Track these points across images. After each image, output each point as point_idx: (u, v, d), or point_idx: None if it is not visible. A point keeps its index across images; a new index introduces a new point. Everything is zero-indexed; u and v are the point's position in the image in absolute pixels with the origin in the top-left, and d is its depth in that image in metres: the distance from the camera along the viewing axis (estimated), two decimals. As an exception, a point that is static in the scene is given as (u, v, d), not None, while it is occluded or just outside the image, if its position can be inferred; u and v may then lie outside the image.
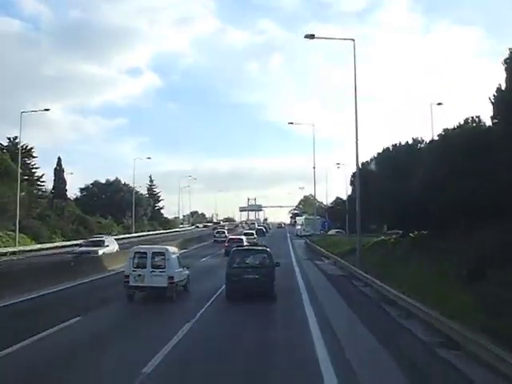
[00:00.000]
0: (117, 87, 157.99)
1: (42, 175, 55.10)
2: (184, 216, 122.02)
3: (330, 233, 61.98)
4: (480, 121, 18.06)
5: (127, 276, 15.46)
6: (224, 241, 40.87)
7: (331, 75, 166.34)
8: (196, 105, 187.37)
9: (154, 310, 14.38)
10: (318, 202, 76.38)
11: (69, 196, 70.72)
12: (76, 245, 37.47)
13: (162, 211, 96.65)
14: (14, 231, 39.86)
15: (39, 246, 42.51)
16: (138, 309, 15.05)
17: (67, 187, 67.22)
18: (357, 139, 22.24)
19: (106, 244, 30.33)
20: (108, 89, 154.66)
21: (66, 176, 67.08)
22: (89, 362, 8.79)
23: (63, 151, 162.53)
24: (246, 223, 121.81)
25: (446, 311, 11.06)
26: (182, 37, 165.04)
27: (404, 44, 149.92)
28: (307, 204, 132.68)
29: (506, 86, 15.08)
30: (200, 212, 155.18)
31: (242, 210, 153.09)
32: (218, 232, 57.69)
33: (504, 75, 15.11)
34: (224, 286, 16.50)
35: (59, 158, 65.72)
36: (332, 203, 78.36)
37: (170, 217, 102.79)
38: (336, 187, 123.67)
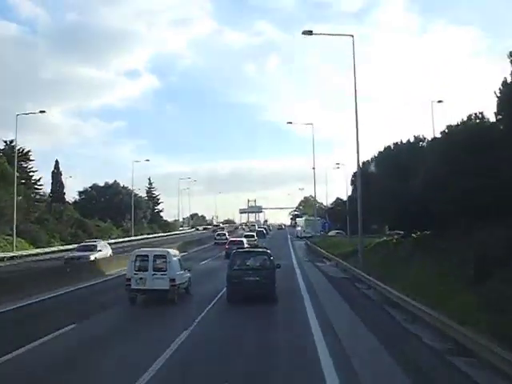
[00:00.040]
0: (115, 90, 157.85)
1: (40, 179, 54.74)
2: (184, 218, 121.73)
3: (330, 234, 61.70)
4: (483, 117, 17.62)
5: (129, 279, 15.49)
6: (225, 243, 40.79)
7: (330, 75, 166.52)
8: (194, 106, 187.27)
9: (155, 313, 14.31)
10: (318, 202, 76.00)
11: (68, 199, 70.56)
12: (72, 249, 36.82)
13: (161, 214, 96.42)
14: (12, 236, 39.43)
15: (37, 250, 42.04)
16: (139, 312, 14.98)
17: (66, 191, 67.08)
18: (357, 137, 21.90)
19: (98, 249, 29.47)
20: (106, 91, 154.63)
21: (65, 179, 66.89)
22: (87, 368, 8.58)
23: (62, 155, 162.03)
24: (246, 225, 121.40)
25: (452, 314, 10.64)
26: (179, 38, 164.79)
27: (401, 44, 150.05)
28: (307, 205, 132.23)
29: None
30: (200, 214, 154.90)
31: (242, 211, 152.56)
32: (218, 234, 57.88)
33: (510, 68, 14.68)
34: (225, 289, 16.44)
35: (57, 161, 65.50)
36: (332, 204, 78.07)
37: (169, 219, 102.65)
38: (336, 188, 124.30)
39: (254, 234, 54.99)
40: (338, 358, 8.89)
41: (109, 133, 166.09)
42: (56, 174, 63.30)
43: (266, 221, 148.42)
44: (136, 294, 15.62)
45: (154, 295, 15.61)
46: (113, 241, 58.27)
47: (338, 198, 77.25)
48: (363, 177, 22.90)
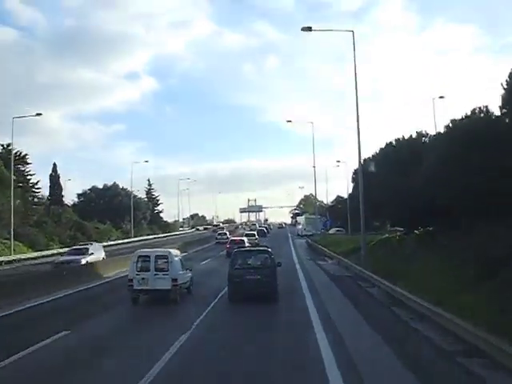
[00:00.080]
0: (114, 93, 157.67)
1: (37, 182, 54.27)
2: (184, 219, 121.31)
3: (330, 232, 61.54)
4: (488, 111, 17.19)
5: (131, 280, 15.57)
6: (226, 242, 40.84)
7: (329, 75, 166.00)
8: (194, 108, 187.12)
9: (157, 313, 14.31)
10: (319, 201, 75.61)
11: (67, 202, 70.13)
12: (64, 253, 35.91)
13: (161, 215, 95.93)
14: (10, 239, 39.00)
15: (36, 253, 41.57)
16: (137, 314, 14.81)
17: (66, 193, 66.70)
18: (358, 131, 21.46)
19: (90, 252, 28.28)
20: (105, 94, 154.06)
21: (64, 182, 66.43)
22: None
23: (62, 158, 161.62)
24: (247, 224, 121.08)
25: (460, 312, 10.23)
26: (178, 40, 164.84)
27: (401, 42, 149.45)
28: (308, 203, 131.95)
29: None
30: (200, 214, 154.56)
31: (242, 211, 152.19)
32: (219, 234, 58.36)
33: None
34: (226, 288, 16.47)
35: (55, 164, 65.09)
36: (333, 202, 77.72)
37: (170, 220, 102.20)
38: (336, 186, 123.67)
39: (255, 232, 55.03)
40: (345, 366, 8.33)
41: (108, 136, 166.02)
42: (54, 177, 62.86)
43: (266, 220, 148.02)
44: (138, 295, 15.69)
45: (156, 295, 15.69)
46: (112, 242, 58.14)
47: (338, 196, 77.07)
48: (365, 174, 22.42)
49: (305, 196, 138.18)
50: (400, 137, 24.06)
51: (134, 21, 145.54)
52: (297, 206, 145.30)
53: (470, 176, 15.37)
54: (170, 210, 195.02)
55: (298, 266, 27.77)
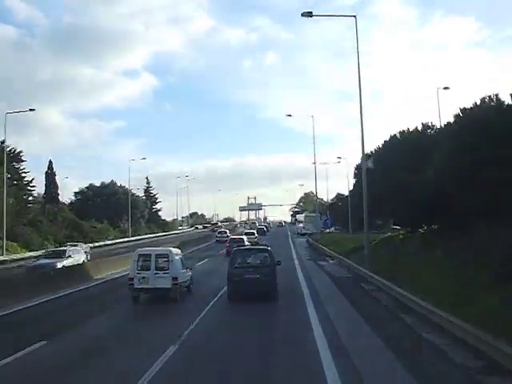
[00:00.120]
0: (114, 90, 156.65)
1: (32, 179, 53.01)
2: (183, 217, 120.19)
3: (327, 230, 60.94)
4: (499, 99, 16.23)
5: (131, 278, 15.66)
6: (226, 240, 40.46)
7: (329, 72, 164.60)
8: (194, 104, 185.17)
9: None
10: (319, 198, 74.51)
11: (64, 200, 69.19)
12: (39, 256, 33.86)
13: (160, 213, 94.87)
14: (2, 239, 38.03)
15: (30, 253, 40.55)
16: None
17: (64, 191, 65.88)
18: (361, 122, 20.48)
19: (67, 255, 26.27)
20: (105, 91, 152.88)
21: (60, 180, 65.51)
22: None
23: (61, 156, 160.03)
24: (246, 223, 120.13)
25: (478, 322, 9.20)
26: (177, 37, 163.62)
27: (399, 38, 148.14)
28: (307, 201, 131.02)
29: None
30: (200, 213, 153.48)
31: (241, 209, 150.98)
32: (219, 232, 58.09)
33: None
34: (225, 287, 16.41)
35: (50, 162, 64.06)
36: (333, 199, 76.76)
37: (169, 219, 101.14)
38: (336, 185, 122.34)
39: (255, 231, 54.75)
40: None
41: (108, 133, 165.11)
42: (50, 175, 61.81)
43: (265, 218, 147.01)
44: (139, 293, 15.78)
45: (156, 294, 15.74)
46: (109, 242, 57.22)
47: (338, 194, 76.08)
48: (367, 168, 21.35)
49: (305, 194, 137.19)
50: (405, 129, 22.97)
51: (133, 17, 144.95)
52: (297, 204, 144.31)
53: (479, 165, 14.76)
54: (171, 209, 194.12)
55: (298, 268, 26.61)
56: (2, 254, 36.70)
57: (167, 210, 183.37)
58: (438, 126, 22.18)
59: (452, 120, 18.41)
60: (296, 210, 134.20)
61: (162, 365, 8.60)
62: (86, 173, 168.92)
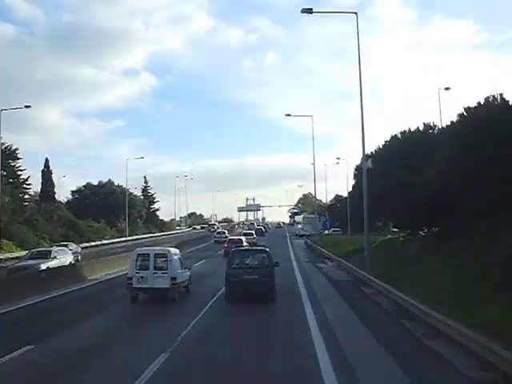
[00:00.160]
0: (113, 89, 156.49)
1: (28, 177, 52.35)
2: (181, 217, 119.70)
3: (326, 232, 60.66)
4: (503, 98, 15.84)
5: (130, 278, 15.76)
6: (225, 241, 40.46)
7: (329, 73, 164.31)
8: (193, 104, 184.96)
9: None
10: (318, 200, 74.05)
11: (61, 199, 68.61)
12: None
13: (157, 213, 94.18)
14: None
15: (25, 252, 39.98)
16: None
17: (62, 190, 65.15)
18: (362, 120, 19.95)
19: (52, 256, 25.01)
20: (105, 91, 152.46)
21: (57, 179, 64.91)
22: None
23: (61, 155, 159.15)
24: (244, 223, 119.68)
25: (482, 328, 8.76)
26: (177, 37, 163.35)
27: (399, 39, 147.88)
28: (306, 202, 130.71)
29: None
30: (198, 213, 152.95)
31: (240, 210, 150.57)
32: (218, 233, 57.95)
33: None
34: (223, 289, 16.37)
35: (47, 160, 63.35)
36: (331, 201, 76.37)
37: (167, 219, 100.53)
38: (335, 186, 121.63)
39: (253, 232, 54.70)
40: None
41: (108, 132, 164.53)
42: (46, 173, 61.17)
43: (263, 219, 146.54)
44: (137, 293, 15.88)
45: (155, 293, 15.83)
46: (105, 241, 56.69)
47: (337, 195, 75.72)
48: (368, 169, 20.87)
49: (303, 195, 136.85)
50: (406, 129, 22.54)
51: (133, 17, 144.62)
52: (295, 205, 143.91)
53: (483, 164, 14.46)
54: (169, 209, 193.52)
55: (296, 270, 26.15)
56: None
57: (166, 209, 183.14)
58: (440, 127, 21.76)
59: (454, 120, 18.09)
60: (294, 211, 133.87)
61: (157, 368, 8.43)
62: (85, 172, 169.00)
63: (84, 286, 20.41)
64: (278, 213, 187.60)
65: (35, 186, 60.08)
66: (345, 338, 10.70)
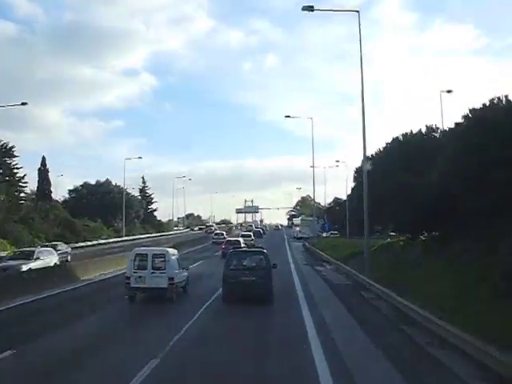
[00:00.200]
0: (113, 89, 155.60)
1: (24, 175, 51.74)
2: (179, 218, 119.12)
3: (324, 234, 60.33)
4: (509, 100, 15.51)
5: (128, 277, 15.91)
6: (223, 242, 40.29)
7: (330, 75, 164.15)
8: (193, 105, 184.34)
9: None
10: (316, 203, 73.68)
11: (58, 198, 68.09)
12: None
13: (155, 213, 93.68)
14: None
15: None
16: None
17: (58, 189, 64.51)
18: (363, 121, 19.60)
19: (35, 257, 23.91)
20: (104, 91, 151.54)
21: (54, 177, 64.39)
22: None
23: (60, 154, 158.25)
24: (242, 225, 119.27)
25: (489, 335, 8.37)
26: (177, 37, 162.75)
27: (399, 43, 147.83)
28: (304, 205, 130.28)
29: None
30: (196, 214, 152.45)
31: (238, 211, 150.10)
32: (216, 234, 57.62)
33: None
34: (220, 290, 16.37)
35: (43, 158, 62.73)
36: (330, 204, 76.03)
37: (164, 220, 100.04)
38: (334, 189, 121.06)
39: (251, 233, 54.58)
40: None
41: (107, 132, 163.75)
42: (43, 171, 60.62)
43: (261, 221, 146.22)
44: (135, 292, 16.01)
45: (152, 293, 15.92)
46: (102, 241, 56.20)
47: (336, 198, 75.40)
48: (369, 171, 20.49)
49: (302, 197, 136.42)
50: (408, 131, 22.16)
51: (133, 17, 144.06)
52: (294, 208, 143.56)
53: (487, 166, 14.16)
54: (167, 210, 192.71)
55: (294, 273, 25.70)
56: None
57: (164, 210, 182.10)
58: (442, 129, 21.39)
59: (456, 123, 17.73)
60: (293, 213, 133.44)
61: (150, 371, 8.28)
62: (84, 172, 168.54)
63: (77, 286, 19.97)
64: (276, 215, 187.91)
65: (32, 184, 59.83)
66: (343, 343, 10.34)
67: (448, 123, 22.31)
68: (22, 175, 50.71)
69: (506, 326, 9.30)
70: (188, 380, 8.09)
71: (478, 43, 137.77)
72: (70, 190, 74.13)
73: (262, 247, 19.96)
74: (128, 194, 74.65)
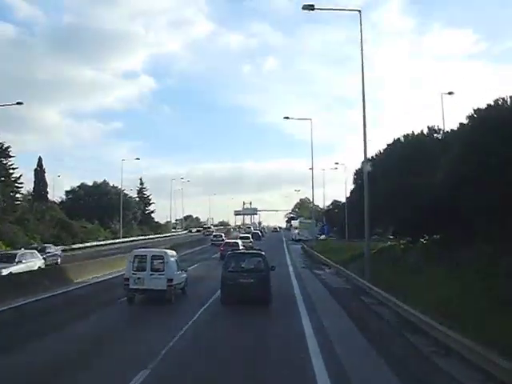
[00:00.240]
0: (112, 91, 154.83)
1: (20, 176, 51.11)
2: (177, 220, 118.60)
3: (323, 237, 60.00)
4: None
5: (127, 279, 15.91)
6: (221, 244, 40.36)
7: (329, 78, 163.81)
8: (192, 108, 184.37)
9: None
10: (315, 205, 73.26)
11: (55, 199, 67.56)
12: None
13: (153, 215, 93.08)
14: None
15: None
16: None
17: (55, 190, 63.93)
18: (364, 120, 19.21)
19: (17, 260, 22.68)
20: (103, 92, 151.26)
21: (51, 178, 63.92)
22: None
23: (59, 155, 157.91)
24: (240, 227, 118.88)
25: (494, 343, 7.96)
26: (177, 40, 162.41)
27: (398, 47, 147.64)
28: (303, 207, 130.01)
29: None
30: (195, 216, 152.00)
31: (236, 213, 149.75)
32: (215, 236, 57.54)
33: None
34: (218, 292, 16.43)
35: (40, 158, 62.11)
36: (329, 206, 75.64)
37: (162, 221, 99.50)
38: (333, 192, 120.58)
39: (250, 235, 54.58)
40: None
41: (105, 134, 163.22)
42: (39, 172, 60.06)
43: (260, 223, 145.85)
44: (134, 294, 16.02)
45: (151, 295, 15.94)
46: (99, 242, 55.72)
47: (335, 200, 75.00)
48: (369, 173, 20.07)
49: (300, 200, 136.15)
50: (409, 133, 21.77)
51: (133, 19, 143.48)
52: (292, 210, 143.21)
53: (494, 166, 13.81)
54: (165, 211, 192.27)
55: (292, 277, 25.05)
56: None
57: (161, 212, 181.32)
58: (443, 131, 21.01)
59: (461, 123, 17.40)
60: (291, 215, 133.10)
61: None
62: (83, 173, 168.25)
63: (70, 288, 19.39)
64: (274, 217, 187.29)
65: (29, 185, 59.28)
66: (344, 351, 9.91)
67: (449, 126, 22.06)
68: (17, 176, 50.08)
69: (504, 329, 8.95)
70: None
71: (477, 48, 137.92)
72: (66, 191, 73.63)
73: (260, 249, 19.79)
74: (126, 195, 74.14)
